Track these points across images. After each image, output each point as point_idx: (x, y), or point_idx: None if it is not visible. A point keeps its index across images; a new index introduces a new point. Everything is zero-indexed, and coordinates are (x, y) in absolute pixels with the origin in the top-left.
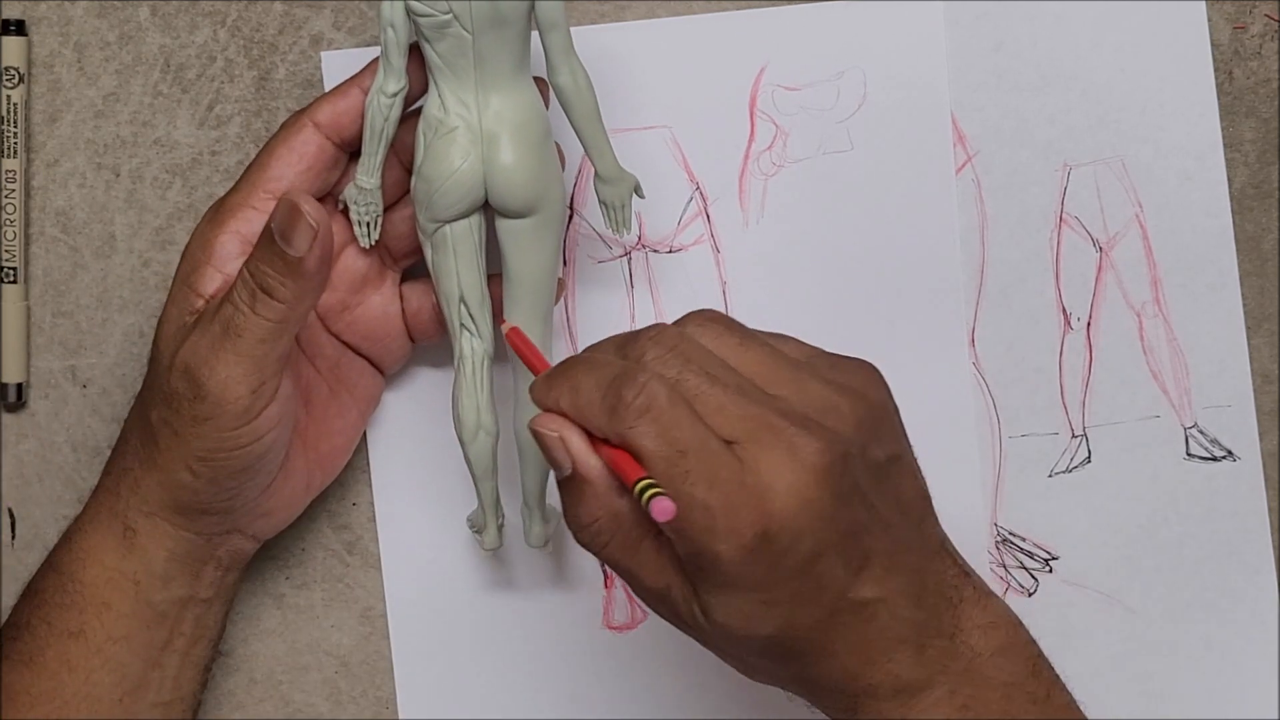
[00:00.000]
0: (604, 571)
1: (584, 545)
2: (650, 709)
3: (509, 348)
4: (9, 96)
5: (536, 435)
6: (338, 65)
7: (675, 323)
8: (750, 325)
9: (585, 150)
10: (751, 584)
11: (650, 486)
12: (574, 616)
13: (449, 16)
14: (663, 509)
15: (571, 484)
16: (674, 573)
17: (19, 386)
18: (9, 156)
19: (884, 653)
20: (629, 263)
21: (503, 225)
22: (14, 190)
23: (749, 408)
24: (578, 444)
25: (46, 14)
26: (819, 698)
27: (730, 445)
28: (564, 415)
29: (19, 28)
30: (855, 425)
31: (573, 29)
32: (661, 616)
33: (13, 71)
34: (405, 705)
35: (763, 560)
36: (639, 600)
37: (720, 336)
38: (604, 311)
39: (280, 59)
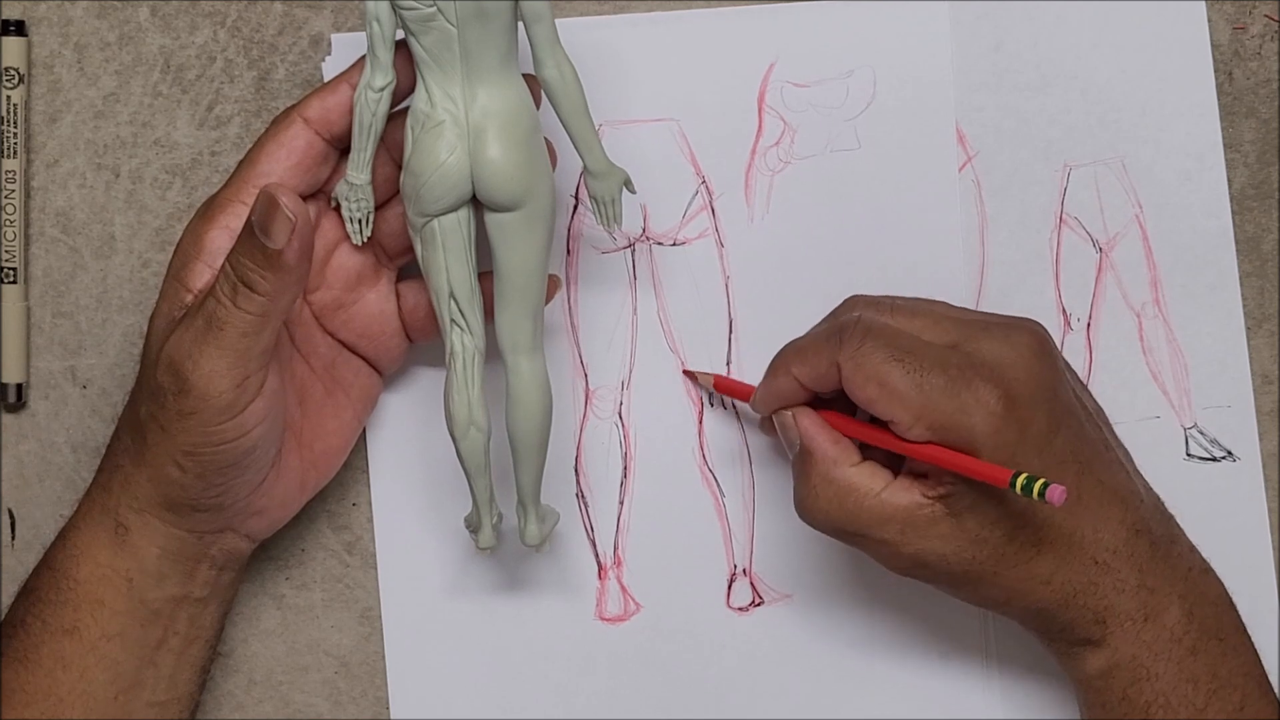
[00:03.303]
0: (597, 563)
1: (815, 522)
2: (643, 701)
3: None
4: (9, 96)
5: (777, 422)
6: (347, 48)
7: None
8: (750, 325)
9: (574, 145)
10: (1004, 456)
11: (1030, 480)
12: (567, 608)
13: (433, 10)
14: (1058, 494)
15: (799, 460)
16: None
17: (19, 386)
18: (9, 156)
19: (1126, 544)
20: (632, 255)
21: (491, 219)
22: (14, 190)
23: (953, 325)
24: (806, 418)
25: (46, 14)
26: (1041, 600)
27: (948, 348)
28: (794, 391)
29: (19, 28)
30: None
31: (579, 20)
32: (903, 566)
33: (13, 72)
34: (396, 703)
35: (1011, 428)
36: (885, 562)
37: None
38: (607, 303)
39: (280, 59)
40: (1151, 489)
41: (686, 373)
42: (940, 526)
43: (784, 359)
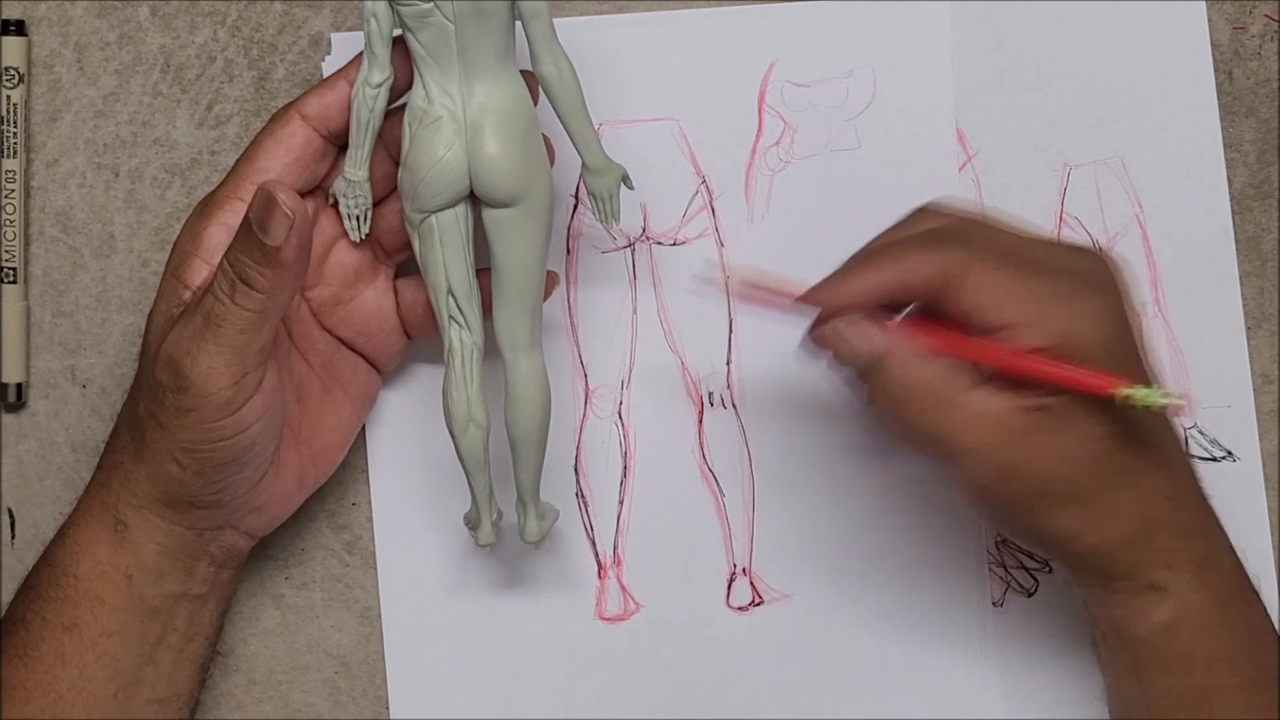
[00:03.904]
0: (597, 562)
1: (892, 422)
2: (643, 701)
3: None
4: (9, 96)
5: (831, 338)
6: (347, 47)
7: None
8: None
9: (571, 141)
10: (1117, 367)
11: (1150, 392)
12: (567, 608)
13: (430, 6)
14: (1180, 404)
15: (870, 365)
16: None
17: (19, 386)
18: (9, 156)
19: (1190, 481)
20: (632, 254)
21: (488, 215)
22: (14, 190)
23: (1040, 241)
24: (871, 322)
25: (46, 14)
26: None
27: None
28: (868, 294)
29: (19, 28)
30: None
31: (580, 19)
32: (984, 479)
33: (13, 71)
34: (396, 703)
35: (1120, 341)
36: (954, 481)
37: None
38: (606, 303)
39: (280, 59)
40: None
41: (700, 279)
42: (1035, 438)
43: (869, 262)
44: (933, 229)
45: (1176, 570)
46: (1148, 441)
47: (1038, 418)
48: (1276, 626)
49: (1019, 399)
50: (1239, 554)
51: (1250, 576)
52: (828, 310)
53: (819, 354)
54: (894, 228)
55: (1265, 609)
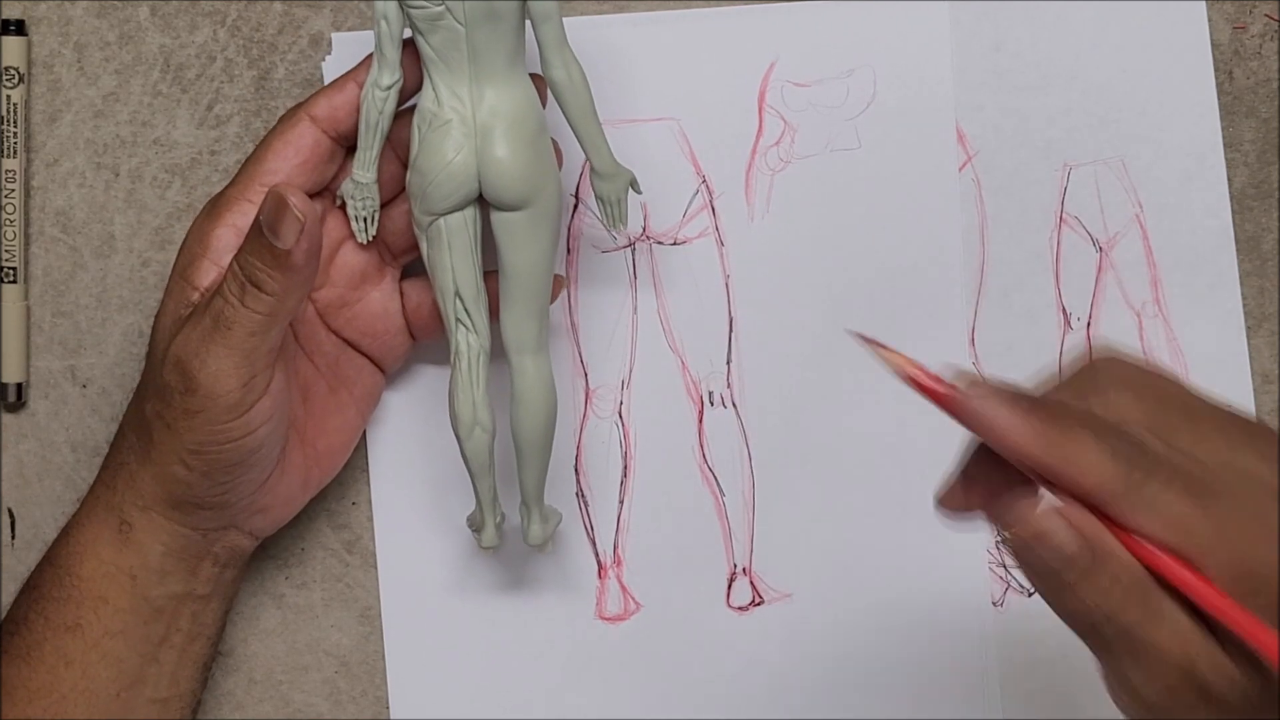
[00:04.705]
0: (597, 562)
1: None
2: (643, 700)
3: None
4: (9, 96)
5: (1040, 538)
6: (347, 47)
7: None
8: (751, 324)
9: (581, 145)
10: None
11: None
12: (566, 607)
13: (441, 9)
14: None
15: (1085, 569)
16: (1199, 638)
17: (19, 386)
18: (9, 156)
19: None
20: (633, 254)
21: (497, 218)
22: (14, 190)
23: (1225, 431)
24: (1091, 523)
25: (46, 14)
26: None
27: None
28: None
29: (19, 28)
30: None
31: (580, 19)
32: (1173, 708)
33: (13, 71)
34: (396, 702)
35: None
36: (1144, 698)
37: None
38: (607, 302)
39: (280, 59)
40: None
41: (865, 339)
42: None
43: (1042, 432)
44: (1108, 424)
45: None
46: None
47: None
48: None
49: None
50: None
51: None
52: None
53: (962, 521)
54: (1068, 382)
55: None
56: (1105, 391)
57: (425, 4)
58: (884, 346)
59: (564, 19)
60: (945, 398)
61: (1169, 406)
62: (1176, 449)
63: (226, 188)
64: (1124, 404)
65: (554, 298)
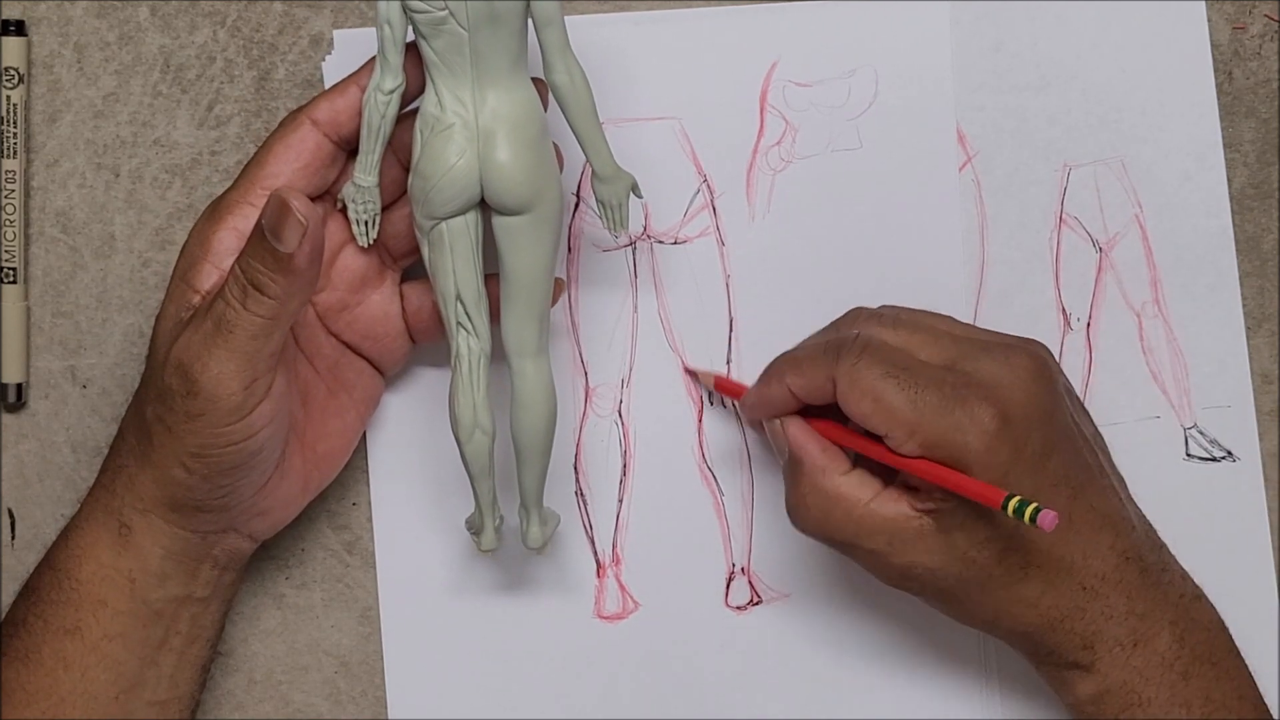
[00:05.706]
0: (596, 561)
1: (805, 529)
2: (642, 700)
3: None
4: (9, 96)
5: (768, 430)
6: (349, 45)
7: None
8: (751, 324)
9: (582, 149)
10: (996, 475)
11: (1022, 504)
12: (565, 607)
13: (445, 13)
14: (1049, 519)
15: (789, 468)
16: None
17: (19, 386)
18: (9, 156)
19: (1116, 570)
20: (633, 253)
21: (499, 222)
22: (14, 190)
23: (953, 342)
24: (795, 427)
25: (46, 14)
26: (1029, 622)
27: (945, 367)
28: (786, 400)
29: (19, 28)
30: (1048, 354)
31: (582, 18)
32: (892, 578)
33: (13, 71)
34: (395, 703)
35: (1005, 446)
36: (876, 571)
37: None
38: (607, 301)
39: (280, 59)
40: (1144, 516)
41: (688, 370)
42: (928, 541)
43: (778, 368)
44: (833, 339)
45: (1097, 650)
46: (1060, 534)
47: (930, 521)
48: (1277, 633)
49: (914, 502)
50: (1215, 625)
51: (1215, 646)
52: (752, 417)
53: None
54: (826, 328)
55: (1236, 676)
56: (849, 321)
57: (429, 8)
58: (698, 373)
59: (566, 18)
60: (738, 393)
61: (918, 329)
62: (892, 351)
63: (227, 191)
64: (866, 322)
65: (554, 301)
